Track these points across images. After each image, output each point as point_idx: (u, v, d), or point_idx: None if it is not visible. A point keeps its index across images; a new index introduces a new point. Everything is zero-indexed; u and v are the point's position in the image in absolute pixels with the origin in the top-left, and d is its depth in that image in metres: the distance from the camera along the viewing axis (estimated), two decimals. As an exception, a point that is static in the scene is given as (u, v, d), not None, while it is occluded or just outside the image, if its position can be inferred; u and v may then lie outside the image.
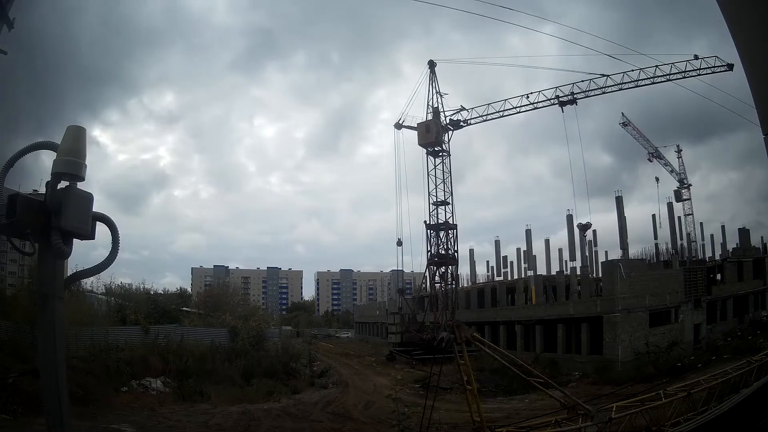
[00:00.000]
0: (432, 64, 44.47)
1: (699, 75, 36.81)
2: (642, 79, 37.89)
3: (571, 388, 24.51)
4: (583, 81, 39.39)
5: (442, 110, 43.83)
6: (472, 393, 10.52)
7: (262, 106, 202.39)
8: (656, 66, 37.46)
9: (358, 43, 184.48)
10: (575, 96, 39.86)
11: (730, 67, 34.46)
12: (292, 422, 19.75)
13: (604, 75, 38.62)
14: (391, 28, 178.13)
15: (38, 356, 2.16)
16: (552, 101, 40.58)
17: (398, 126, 44.62)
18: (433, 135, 43.13)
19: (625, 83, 38.40)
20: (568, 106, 40.28)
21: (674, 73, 37.28)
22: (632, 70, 37.58)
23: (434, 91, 44.10)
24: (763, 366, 11.79)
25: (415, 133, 44.22)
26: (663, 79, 37.72)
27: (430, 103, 44.05)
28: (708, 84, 36.88)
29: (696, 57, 36.63)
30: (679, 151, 54.43)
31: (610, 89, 38.91)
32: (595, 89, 39.21)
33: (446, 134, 44.31)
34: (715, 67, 36.15)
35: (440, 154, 44.18)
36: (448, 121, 44.06)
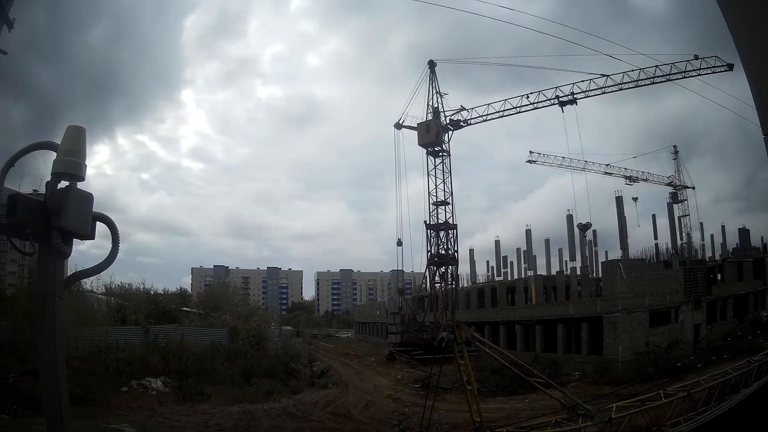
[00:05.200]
0: (432, 64, 44.47)
1: (699, 75, 36.82)
2: (642, 79, 37.86)
3: (571, 388, 24.51)
4: (583, 81, 39.32)
5: (442, 110, 43.88)
6: (472, 393, 10.51)
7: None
8: (656, 66, 37.43)
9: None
10: (575, 96, 39.79)
11: (730, 67, 34.44)
12: (292, 422, 19.73)
13: (604, 75, 38.55)
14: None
15: (38, 356, 2.16)
16: (552, 101, 40.42)
17: (398, 126, 44.60)
18: (433, 135, 43.14)
19: (625, 83, 38.35)
20: (569, 106, 40.13)
21: (674, 73, 37.21)
22: (632, 70, 37.57)
23: (434, 91, 44.16)
24: (763, 366, 11.79)
25: (415, 133, 44.30)
26: (663, 79, 37.66)
27: (430, 103, 44.13)
28: (707, 83, 36.97)
29: (696, 57, 36.63)
30: (675, 152, 54.44)
31: (610, 89, 38.86)
32: (595, 89, 39.14)
33: (446, 134, 44.34)
34: (715, 67, 36.12)
35: (440, 154, 44.20)
36: (448, 121, 44.08)
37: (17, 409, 15.86)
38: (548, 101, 40.60)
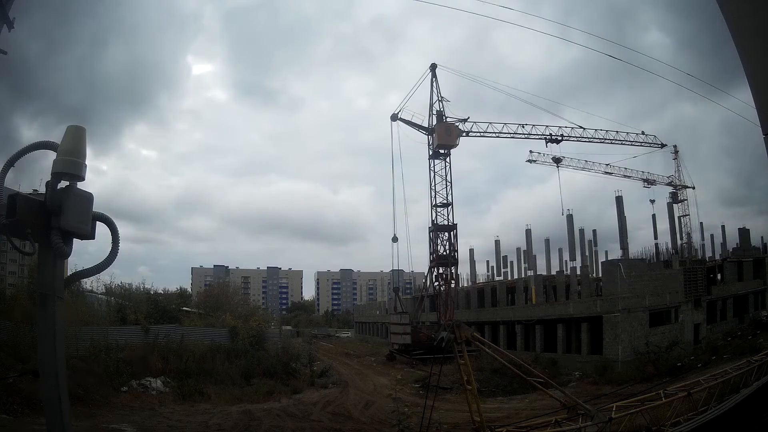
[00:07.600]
0: (434, 67, 44.48)
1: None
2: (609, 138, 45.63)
3: (571, 388, 24.51)
4: (566, 127, 45.51)
5: (444, 116, 43.99)
6: (472, 393, 10.52)
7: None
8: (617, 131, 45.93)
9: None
10: (557, 137, 45.12)
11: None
12: (292, 422, 19.72)
13: (581, 127, 45.37)
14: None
15: (38, 356, 2.16)
16: (541, 136, 45.24)
17: (394, 117, 44.29)
18: (454, 138, 43.82)
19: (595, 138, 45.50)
20: (553, 144, 45.86)
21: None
22: (600, 130, 45.90)
23: (437, 95, 44.47)
24: (763, 366, 11.80)
25: (410, 129, 44.63)
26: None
27: (434, 107, 44.35)
28: (707, 83, 37.26)
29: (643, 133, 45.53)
30: (675, 152, 54.37)
31: (584, 139, 45.68)
32: (573, 135, 45.48)
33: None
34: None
35: (445, 157, 44.28)
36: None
37: (17, 409, 15.88)
38: (539, 136, 45.41)
